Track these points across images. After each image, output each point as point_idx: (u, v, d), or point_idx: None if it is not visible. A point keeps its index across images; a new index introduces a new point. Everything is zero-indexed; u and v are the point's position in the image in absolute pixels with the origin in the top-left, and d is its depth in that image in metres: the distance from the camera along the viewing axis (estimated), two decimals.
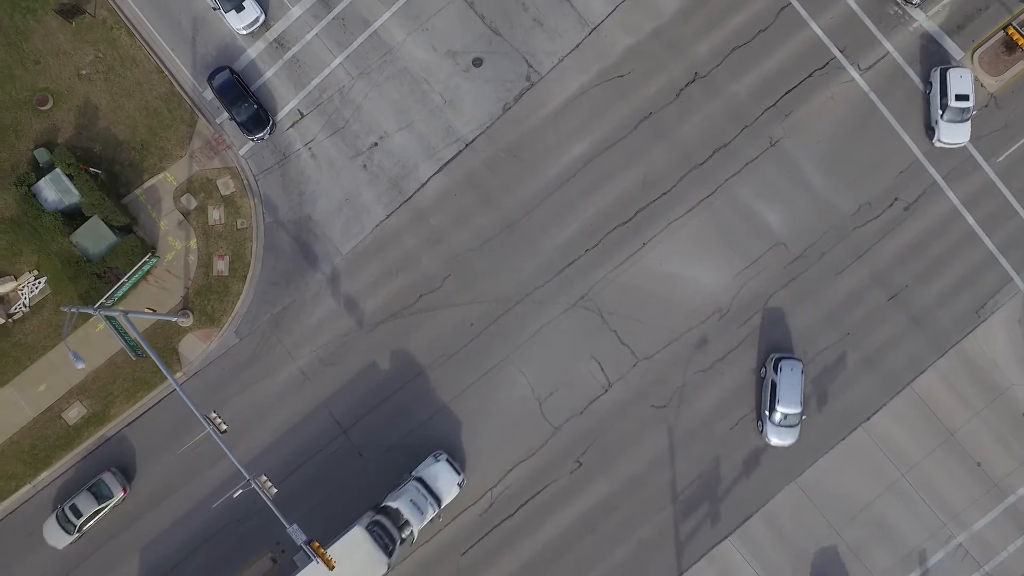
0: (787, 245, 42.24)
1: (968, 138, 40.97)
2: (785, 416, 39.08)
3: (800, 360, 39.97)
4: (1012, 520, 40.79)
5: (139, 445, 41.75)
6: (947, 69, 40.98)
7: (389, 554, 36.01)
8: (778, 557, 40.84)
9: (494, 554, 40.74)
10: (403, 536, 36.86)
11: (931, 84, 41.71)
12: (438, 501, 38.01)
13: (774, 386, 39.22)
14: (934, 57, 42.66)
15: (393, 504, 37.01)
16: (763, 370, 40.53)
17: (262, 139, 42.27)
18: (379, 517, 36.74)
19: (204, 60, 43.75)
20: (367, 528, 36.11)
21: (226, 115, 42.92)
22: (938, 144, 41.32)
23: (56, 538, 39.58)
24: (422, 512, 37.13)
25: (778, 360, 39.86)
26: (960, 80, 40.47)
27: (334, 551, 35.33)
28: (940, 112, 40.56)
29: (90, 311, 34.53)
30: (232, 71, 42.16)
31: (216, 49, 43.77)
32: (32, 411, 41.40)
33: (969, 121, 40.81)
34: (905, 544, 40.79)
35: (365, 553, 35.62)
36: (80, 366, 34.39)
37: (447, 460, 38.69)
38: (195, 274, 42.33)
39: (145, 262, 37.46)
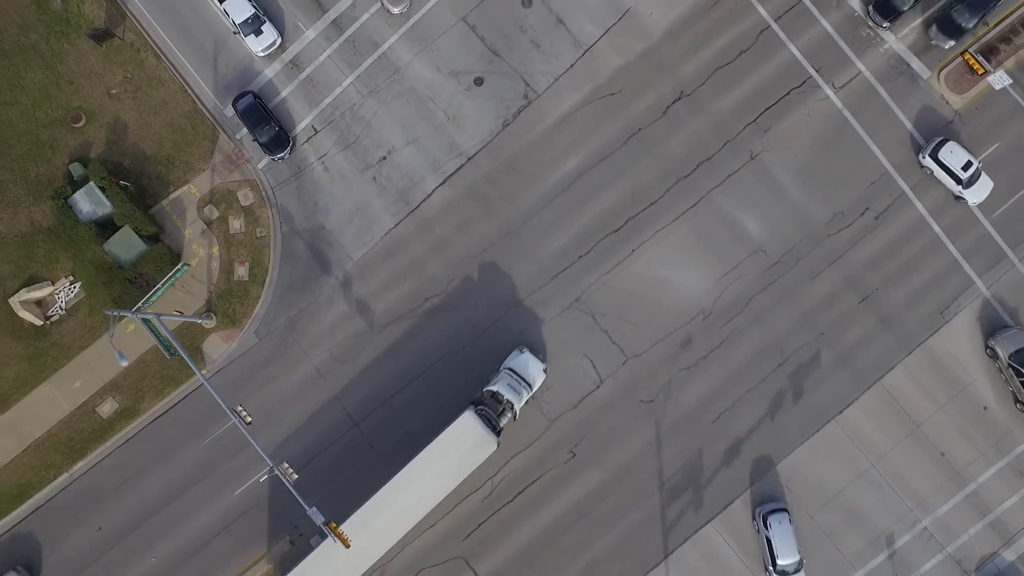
0: (766, 251, 45.51)
1: (991, 182, 43.63)
2: (787, 567, 41.74)
3: (786, 509, 42.32)
4: (972, 506, 44.09)
5: (164, 441, 45.11)
6: (936, 151, 43.30)
7: (497, 434, 40.69)
8: (757, 540, 44.16)
9: (495, 537, 44.15)
10: (505, 418, 41.65)
11: (929, 168, 44.16)
12: (529, 386, 42.06)
13: (769, 542, 41.83)
14: (907, 101, 45.80)
15: (495, 388, 41.26)
16: (755, 523, 43.17)
17: (282, 158, 45.61)
18: (482, 406, 41.49)
19: (225, 80, 47.10)
20: (475, 412, 40.72)
21: (245, 131, 46.24)
22: (974, 205, 43.98)
23: None
24: (519, 394, 41.39)
25: (766, 515, 42.16)
26: (953, 154, 43.06)
27: (445, 438, 40.11)
28: (960, 187, 43.26)
29: (129, 314, 37.96)
30: (255, 95, 45.47)
31: (236, 70, 47.11)
32: (69, 405, 44.85)
33: (982, 172, 43.41)
34: (874, 528, 44.11)
35: (476, 435, 40.22)
36: (124, 363, 37.85)
37: (530, 351, 42.91)
38: (217, 279, 45.72)
39: (178, 269, 40.80)
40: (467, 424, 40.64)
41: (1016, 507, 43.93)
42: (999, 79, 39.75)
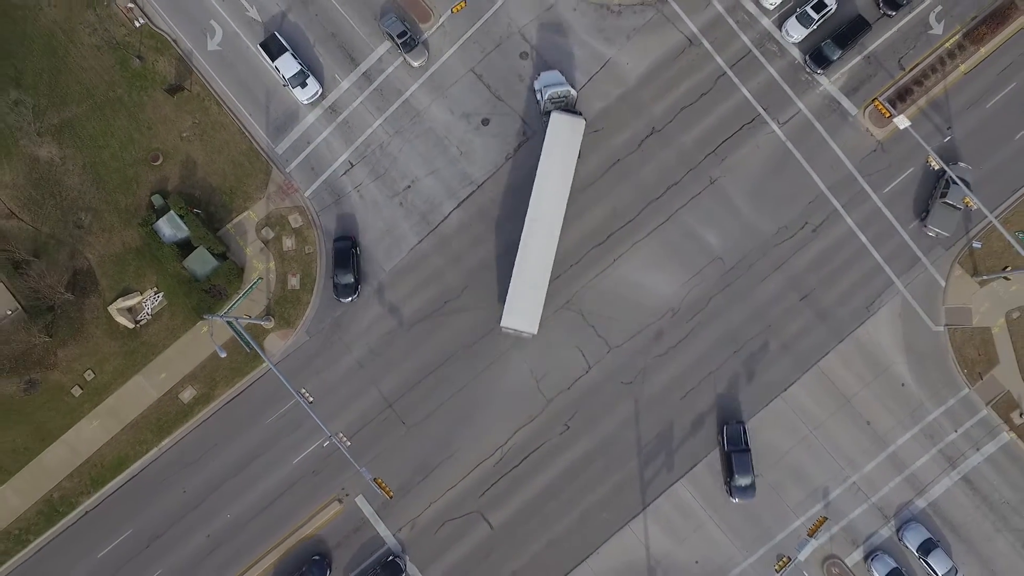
0: (723, 259, 55.46)
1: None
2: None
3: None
4: (892, 464, 54.17)
5: (234, 421, 55.22)
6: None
7: (578, 113, 53.13)
8: (718, 495, 54.26)
9: (504, 495, 54.31)
10: (569, 97, 52.96)
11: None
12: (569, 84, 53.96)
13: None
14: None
15: (557, 90, 53.40)
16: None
17: (347, 302, 53.78)
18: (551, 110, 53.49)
19: (275, 124, 56.99)
20: (556, 111, 53.11)
21: (295, 165, 56.15)
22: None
23: None
24: (567, 88, 53.12)
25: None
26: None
27: (549, 142, 52.12)
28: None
29: (219, 318, 48.01)
30: (355, 242, 53.81)
31: (284, 115, 57.00)
32: (156, 393, 55.00)
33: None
34: (812, 483, 54.20)
35: (567, 121, 51.92)
36: (223, 355, 47.91)
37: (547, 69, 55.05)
38: (274, 288, 55.77)
39: (253, 284, 50.88)
40: (557, 119, 51.76)
41: (926, 464, 54.03)
42: (901, 121, 49.47)
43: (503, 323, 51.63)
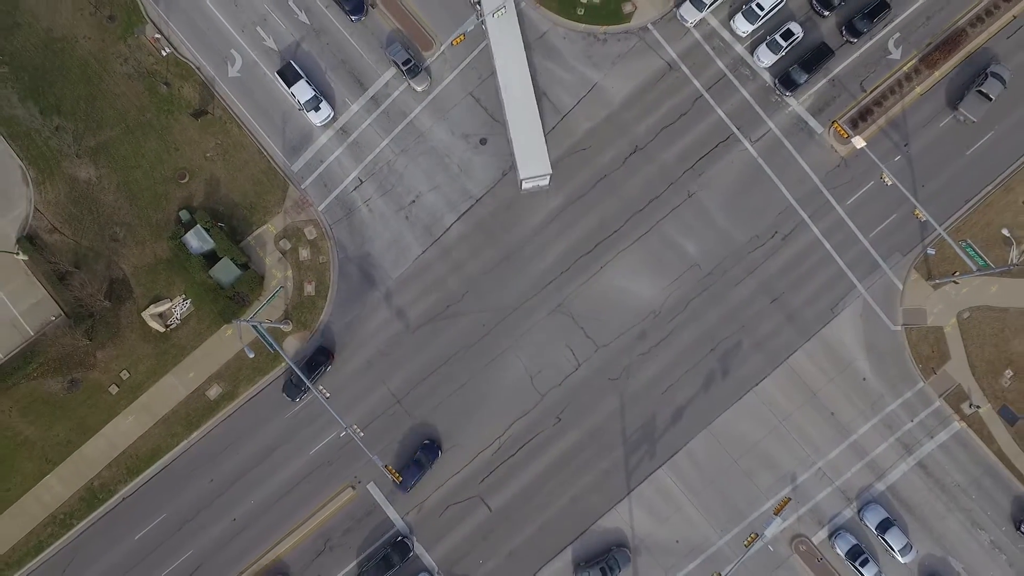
0: (700, 266, 60.86)
1: None
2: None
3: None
4: (853, 451, 59.64)
5: (256, 415, 60.72)
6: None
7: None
8: (696, 479, 59.78)
9: (502, 481, 59.82)
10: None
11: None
12: None
13: None
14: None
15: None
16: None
17: (295, 403, 58.72)
18: None
19: (291, 144, 62.34)
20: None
21: (310, 182, 61.50)
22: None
23: None
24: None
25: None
26: None
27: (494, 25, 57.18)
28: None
29: (247, 323, 53.44)
30: (330, 359, 58.63)
31: (299, 136, 62.36)
32: (185, 391, 60.53)
33: None
34: (781, 469, 59.69)
35: (499, 20, 57.98)
36: (251, 355, 53.38)
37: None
38: (291, 295, 61.24)
39: (276, 292, 56.34)
40: (492, 22, 57.90)
41: (885, 451, 59.51)
42: (858, 141, 54.71)
43: (521, 176, 57.59)
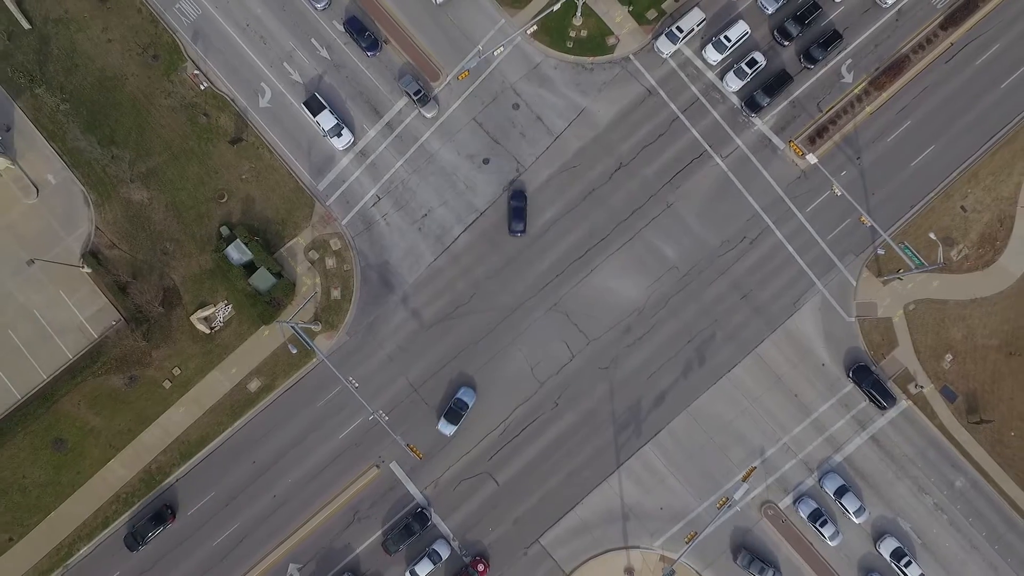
0: (678, 268, 69.25)
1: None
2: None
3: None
4: (815, 428, 68.13)
5: (292, 405, 69.24)
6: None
7: None
8: (677, 454, 68.30)
9: (508, 458, 68.39)
10: None
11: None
12: None
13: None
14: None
15: None
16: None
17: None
18: None
19: (316, 166, 70.68)
20: None
21: (333, 200, 69.83)
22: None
23: None
24: None
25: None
26: None
27: None
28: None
29: (287, 324, 61.99)
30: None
31: (323, 159, 70.72)
32: (229, 384, 69.09)
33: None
34: (751, 444, 68.19)
35: None
36: (294, 351, 61.95)
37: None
38: (320, 299, 69.73)
39: (310, 298, 64.88)
40: None
41: (842, 427, 67.96)
42: (812, 158, 63.01)
43: None
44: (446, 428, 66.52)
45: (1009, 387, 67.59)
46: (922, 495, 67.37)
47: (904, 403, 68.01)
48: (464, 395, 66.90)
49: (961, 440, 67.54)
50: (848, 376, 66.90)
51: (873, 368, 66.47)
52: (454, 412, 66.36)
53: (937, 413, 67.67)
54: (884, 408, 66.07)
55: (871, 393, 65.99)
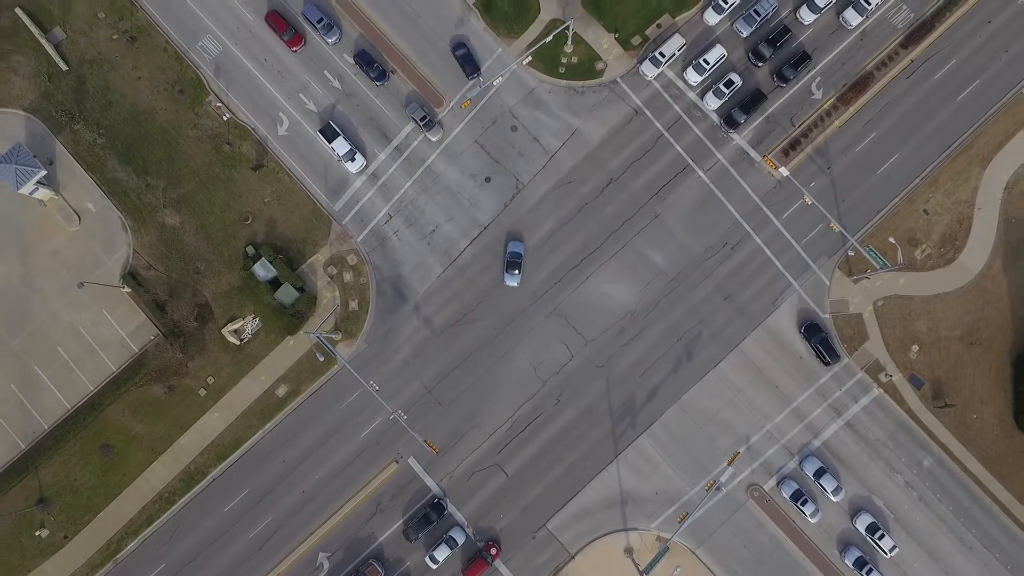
0: (666, 273, 75.62)
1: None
2: None
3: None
4: (795, 416, 74.52)
5: (316, 408, 75.67)
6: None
7: None
8: (669, 443, 74.76)
9: (515, 451, 74.84)
10: None
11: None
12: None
13: None
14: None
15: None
16: None
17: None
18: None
19: (332, 188, 76.97)
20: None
21: (349, 219, 76.16)
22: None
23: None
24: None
25: None
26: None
27: None
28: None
29: (313, 334, 68.40)
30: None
31: (338, 182, 77.03)
32: (258, 391, 75.53)
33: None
34: (736, 432, 74.62)
35: None
36: (321, 359, 68.39)
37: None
38: (339, 310, 76.11)
39: (333, 309, 71.25)
40: None
41: (820, 415, 74.38)
42: (784, 171, 69.32)
43: None
44: (512, 280, 73.71)
45: (971, 374, 74.04)
46: (893, 474, 73.86)
47: (876, 391, 74.43)
48: (515, 247, 73.81)
49: (928, 423, 74.00)
50: (800, 333, 73.26)
51: (822, 327, 72.73)
52: (513, 263, 73.36)
53: (905, 399, 74.12)
54: (828, 364, 72.39)
55: (818, 348, 72.33)
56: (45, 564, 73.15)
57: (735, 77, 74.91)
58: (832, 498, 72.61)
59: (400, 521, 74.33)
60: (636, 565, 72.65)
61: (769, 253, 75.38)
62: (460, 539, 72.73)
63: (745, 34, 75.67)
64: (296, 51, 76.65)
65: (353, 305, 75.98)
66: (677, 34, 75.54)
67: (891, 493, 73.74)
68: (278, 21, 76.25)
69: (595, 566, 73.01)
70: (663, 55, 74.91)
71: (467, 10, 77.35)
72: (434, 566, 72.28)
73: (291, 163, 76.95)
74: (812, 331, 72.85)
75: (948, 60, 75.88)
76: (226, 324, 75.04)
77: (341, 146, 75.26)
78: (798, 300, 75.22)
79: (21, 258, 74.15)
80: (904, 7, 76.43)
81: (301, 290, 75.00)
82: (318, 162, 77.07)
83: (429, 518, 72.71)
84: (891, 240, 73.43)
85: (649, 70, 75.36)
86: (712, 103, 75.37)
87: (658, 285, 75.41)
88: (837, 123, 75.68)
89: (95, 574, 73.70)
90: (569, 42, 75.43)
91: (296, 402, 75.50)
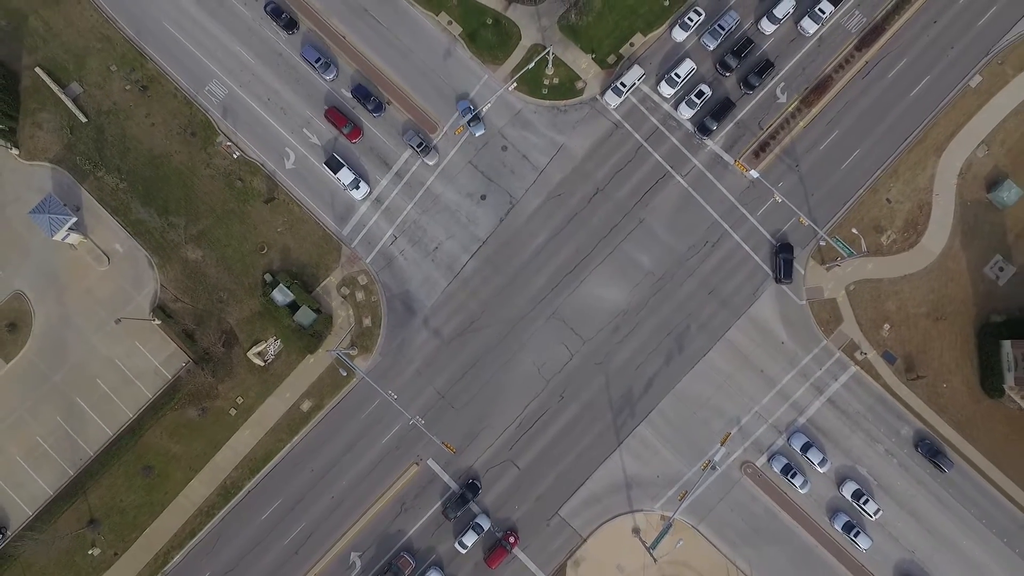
0: (654, 273, 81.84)
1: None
2: None
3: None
4: (780, 396, 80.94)
5: (339, 420, 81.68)
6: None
7: None
8: (667, 430, 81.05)
9: (525, 446, 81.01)
10: None
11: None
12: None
13: None
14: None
15: None
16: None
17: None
18: None
19: (339, 215, 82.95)
20: None
21: (357, 243, 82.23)
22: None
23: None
24: None
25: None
26: None
27: None
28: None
29: (334, 352, 74.38)
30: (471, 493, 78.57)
31: (344, 209, 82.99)
32: (284, 407, 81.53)
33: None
34: (727, 415, 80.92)
35: None
36: (344, 374, 74.41)
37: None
38: (353, 327, 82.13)
39: (350, 329, 77.25)
40: None
41: (803, 395, 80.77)
42: (754, 173, 75.61)
43: None
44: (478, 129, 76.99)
45: (938, 347, 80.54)
46: (874, 444, 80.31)
47: (853, 368, 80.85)
48: (462, 105, 73.85)
49: (902, 395, 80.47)
50: (774, 245, 79.37)
51: (793, 247, 79.36)
52: None
53: (881, 375, 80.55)
54: (779, 282, 78.91)
55: (781, 262, 78.47)
56: None
57: (705, 88, 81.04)
58: (819, 469, 78.99)
59: (425, 516, 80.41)
60: (643, 543, 79.01)
61: (747, 248, 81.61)
62: (486, 525, 78.82)
63: (712, 47, 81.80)
64: (356, 143, 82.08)
65: (367, 322, 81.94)
66: (636, 65, 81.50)
67: (873, 461, 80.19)
68: (338, 117, 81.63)
69: (606, 547, 79.37)
70: (624, 85, 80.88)
71: (453, 41, 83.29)
72: (463, 551, 78.38)
73: (300, 194, 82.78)
74: (785, 249, 78.96)
75: (900, 59, 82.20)
76: (251, 347, 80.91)
77: (346, 176, 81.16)
78: (776, 290, 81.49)
79: (58, 299, 79.96)
80: (857, 12, 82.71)
81: (318, 311, 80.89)
82: (325, 191, 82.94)
83: (465, 497, 78.62)
84: (854, 231, 79.77)
85: (612, 100, 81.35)
86: (686, 113, 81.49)
87: (647, 285, 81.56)
88: (802, 124, 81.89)
89: None
90: (550, 65, 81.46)
91: (320, 415, 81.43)
